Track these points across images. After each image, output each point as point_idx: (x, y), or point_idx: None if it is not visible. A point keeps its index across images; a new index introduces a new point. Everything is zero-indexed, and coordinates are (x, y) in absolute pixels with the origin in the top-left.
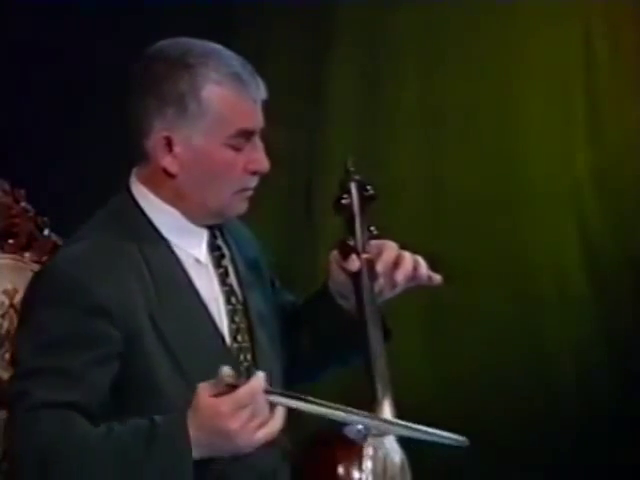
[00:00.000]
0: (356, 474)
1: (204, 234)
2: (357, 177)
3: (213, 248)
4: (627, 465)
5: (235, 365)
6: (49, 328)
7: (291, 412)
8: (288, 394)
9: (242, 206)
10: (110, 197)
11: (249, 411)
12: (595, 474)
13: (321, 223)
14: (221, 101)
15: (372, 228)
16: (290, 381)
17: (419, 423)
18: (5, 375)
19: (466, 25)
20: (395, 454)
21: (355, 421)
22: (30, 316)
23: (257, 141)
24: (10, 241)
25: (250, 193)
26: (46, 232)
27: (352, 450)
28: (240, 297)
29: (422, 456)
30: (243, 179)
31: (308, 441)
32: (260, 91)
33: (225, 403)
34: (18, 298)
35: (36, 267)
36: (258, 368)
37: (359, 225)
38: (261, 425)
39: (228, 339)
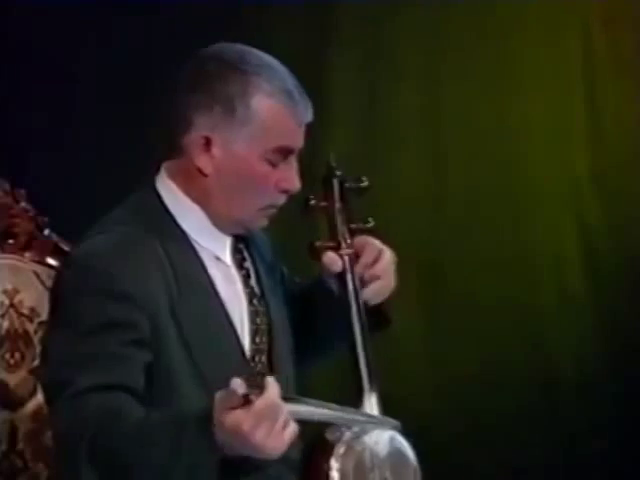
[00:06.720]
0: (323, 476)
1: (228, 239)
2: (339, 173)
3: (235, 251)
4: (627, 465)
5: (246, 363)
6: (82, 317)
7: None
8: (299, 399)
9: (264, 222)
10: (110, 197)
11: (269, 421)
12: (595, 474)
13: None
14: (269, 113)
15: (369, 219)
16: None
17: (419, 423)
18: (5, 376)
19: (466, 26)
20: (383, 446)
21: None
22: (61, 308)
23: (293, 161)
24: (10, 241)
25: (274, 211)
26: (46, 232)
27: (325, 452)
28: (261, 299)
29: (422, 456)
30: (273, 196)
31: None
32: (308, 114)
33: (245, 421)
34: (18, 298)
35: (36, 267)
36: (272, 370)
37: (339, 222)
38: (284, 427)
39: (247, 340)
